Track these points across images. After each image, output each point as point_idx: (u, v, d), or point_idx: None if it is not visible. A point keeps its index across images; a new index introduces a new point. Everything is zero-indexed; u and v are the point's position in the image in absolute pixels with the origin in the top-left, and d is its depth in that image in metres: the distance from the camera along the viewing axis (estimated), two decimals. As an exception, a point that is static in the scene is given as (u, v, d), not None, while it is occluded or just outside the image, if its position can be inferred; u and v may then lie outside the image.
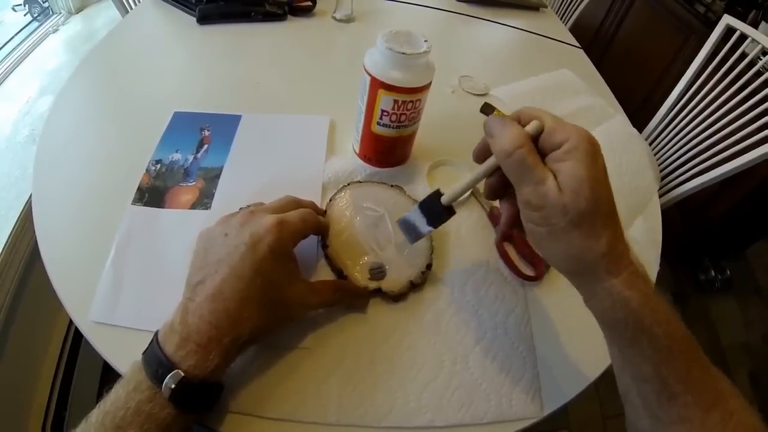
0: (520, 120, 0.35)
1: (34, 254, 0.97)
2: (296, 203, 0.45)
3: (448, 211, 0.42)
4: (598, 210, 0.31)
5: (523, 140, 0.32)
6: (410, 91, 0.48)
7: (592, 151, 0.31)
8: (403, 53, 0.45)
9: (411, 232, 0.44)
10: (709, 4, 1.73)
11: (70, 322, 1.01)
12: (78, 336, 1.02)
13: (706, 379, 0.30)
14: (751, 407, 0.30)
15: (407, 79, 0.47)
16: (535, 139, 0.33)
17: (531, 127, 0.33)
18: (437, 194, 0.41)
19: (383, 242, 0.49)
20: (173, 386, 0.31)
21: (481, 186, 0.40)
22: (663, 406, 0.30)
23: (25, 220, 0.98)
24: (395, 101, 0.48)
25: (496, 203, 0.50)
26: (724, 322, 1.63)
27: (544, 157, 0.33)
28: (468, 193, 0.40)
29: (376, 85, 0.48)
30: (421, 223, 0.43)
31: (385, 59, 0.47)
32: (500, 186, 0.38)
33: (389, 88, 0.47)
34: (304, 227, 0.41)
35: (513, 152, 0.32)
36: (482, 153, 0.38)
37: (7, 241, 0.93)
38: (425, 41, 0.48)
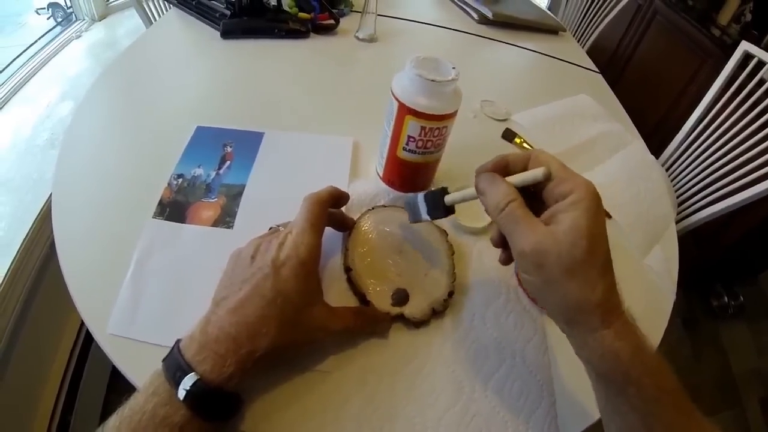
0: (529, 164, 0.36)
1: (48, 258, 0.98)
2: (319, 212, 0.42)
3: (447, 210, 0.43)
4: (594, 261, 0.31)
5: (512, 195, 0.34)
6: (438, 118, 0.48)
7: (595, 207, 0.32)
8: (433, 80, 0.45)
9: (412, 212, 0.46)
10: (725, 27, 1.73)
11: (80, 327, 1.02)
12: (87, 342, 1.02)
13: (691, 426, 0.31)
14: None
15: (435, 106, 0.47)
16: (542, 184, 0.35)
17: (539, 172, 0.35)
18: (443, 191, 0.43)
19: (407, 268, 0.49)
20: (188, 388, 0.31)
21: None
22: None
23: (42, 222, 0.99)
24: (422, 128, 0.48)
25: None
26: (736, 349, 1.61)
27: (544, 205, 0.35)
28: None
29: (404, 110, 0.48)
30: (423, 209, 0.45)
31: (414, 85, 0.47)
32: (503, 237, 0.38)
33: (417, 114, 0.47)
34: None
35: (504, 207, 0.34)
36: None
37: (22, 244, 0.94)
38: (453, 68, 0.48)
